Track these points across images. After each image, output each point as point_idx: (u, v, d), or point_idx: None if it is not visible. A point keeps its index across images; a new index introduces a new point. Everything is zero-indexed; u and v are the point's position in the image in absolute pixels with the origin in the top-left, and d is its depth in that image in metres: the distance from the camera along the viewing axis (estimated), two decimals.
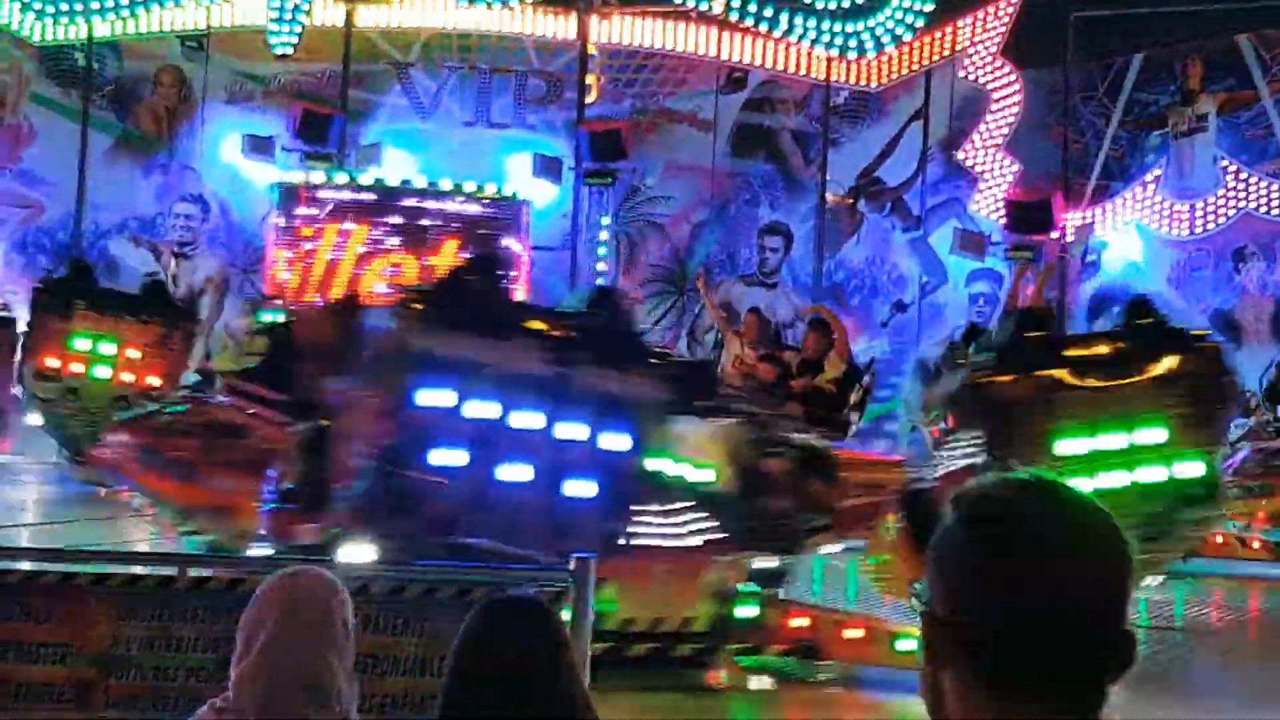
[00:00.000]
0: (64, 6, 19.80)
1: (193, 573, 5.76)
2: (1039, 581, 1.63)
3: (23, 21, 20.05)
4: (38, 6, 19.76)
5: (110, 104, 20.92)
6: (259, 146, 20.15)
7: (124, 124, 20.98)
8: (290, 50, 20.13)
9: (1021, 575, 1.64)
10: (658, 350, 9.36)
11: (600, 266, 20.69)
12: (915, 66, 20.75)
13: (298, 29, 20.02)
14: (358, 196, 18.56)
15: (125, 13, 20.02)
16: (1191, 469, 8.93)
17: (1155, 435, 8.88)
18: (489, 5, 20.27)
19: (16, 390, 15.51)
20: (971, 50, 20.64)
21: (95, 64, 20.58)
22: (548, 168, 20.52)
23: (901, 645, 8.08)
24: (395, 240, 18.27)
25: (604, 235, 20.72)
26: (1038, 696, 1.64)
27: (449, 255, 17.96)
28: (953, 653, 1.67)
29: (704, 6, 20.37)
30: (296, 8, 19.99)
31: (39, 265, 20.09)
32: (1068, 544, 1.66)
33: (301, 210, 18.56)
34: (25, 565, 5.98)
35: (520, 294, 18.46)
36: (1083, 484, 8.57)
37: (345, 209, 18.40)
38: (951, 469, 8.86)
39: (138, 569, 6.11)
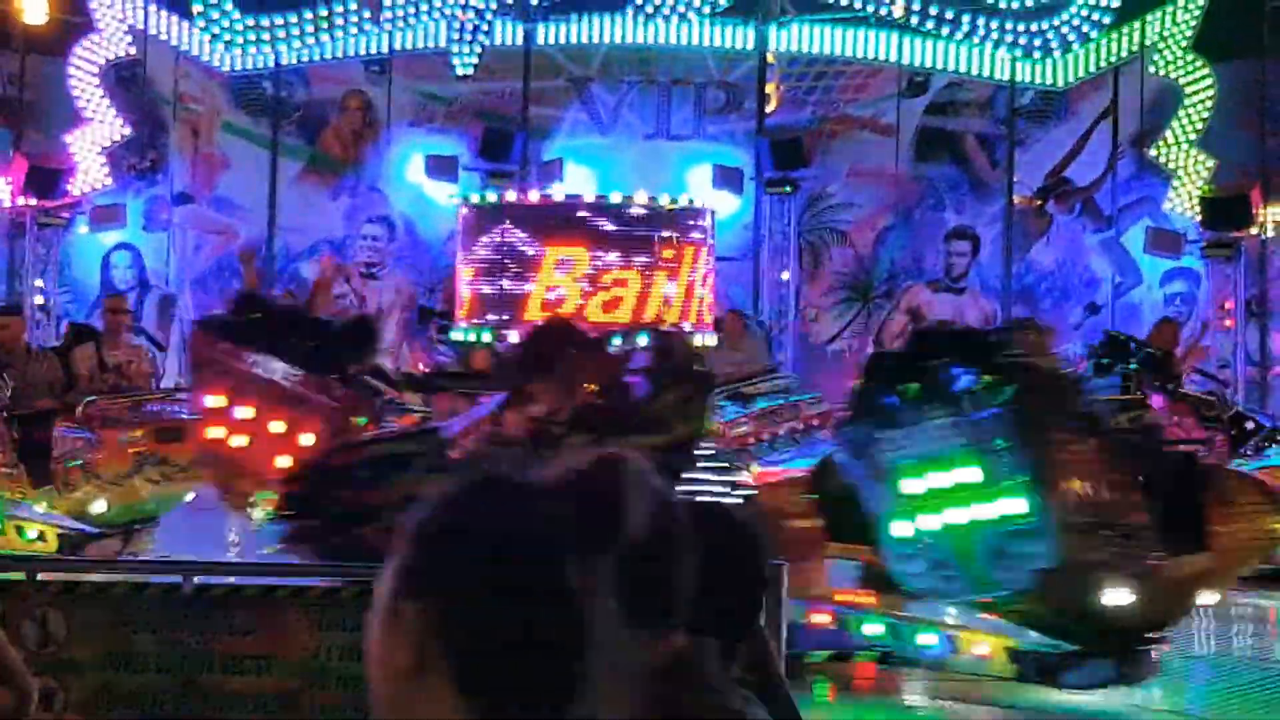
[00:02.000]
0: (251, 36, 20.24)
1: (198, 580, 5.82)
2: None
3: (213, 53, 20.53)
4: (227, 38, 20.22)
5: (298, 130, 21.35)
6: (442, 167, 20.39)
7: (312, 149, 21.38)
8: (471, 70, 20.38)
9: None
10: None
11: (784, 276, 20.58)
12: (1103, 63, 20.26)
13: (478, 49, 20.26)
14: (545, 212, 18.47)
15: (311, 40, 20.40)
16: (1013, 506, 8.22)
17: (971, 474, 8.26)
18: (667, 18, 20.26)
19: None
20: (1161, 45, 20.11)
21: (283, 92, 21.00)
22: (728, 178, 20.45)
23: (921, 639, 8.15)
24: (613, 256, 18.05)
25: (787, 244, 20.61)
26: None
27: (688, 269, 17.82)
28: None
29: (883, 11, 20.16)
30: (476, 29, 20.23)
31: (233, 290, 20.55)
32: None
33: (489, 232, 18.58)
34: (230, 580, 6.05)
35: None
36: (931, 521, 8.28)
37: (533, 225, 18.38)
38: None
39: (333, 580, 6.17)
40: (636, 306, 17.59)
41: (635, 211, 18.03)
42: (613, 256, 17.72)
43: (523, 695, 1.66)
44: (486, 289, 17.97)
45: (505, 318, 17.29)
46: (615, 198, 18.32)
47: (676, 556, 1.97)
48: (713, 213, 19.20)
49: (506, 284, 17.75)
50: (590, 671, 1.67)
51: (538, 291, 17.36)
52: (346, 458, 8.79)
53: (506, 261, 17.82)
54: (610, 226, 17.90)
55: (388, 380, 11.97)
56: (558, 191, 18.92)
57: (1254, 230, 19.39)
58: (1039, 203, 20.75)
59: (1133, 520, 8.04)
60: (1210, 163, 19.71)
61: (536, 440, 8.34)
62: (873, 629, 8.62)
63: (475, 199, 18.88)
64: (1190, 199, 19.67)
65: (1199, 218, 19.50)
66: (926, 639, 8.59)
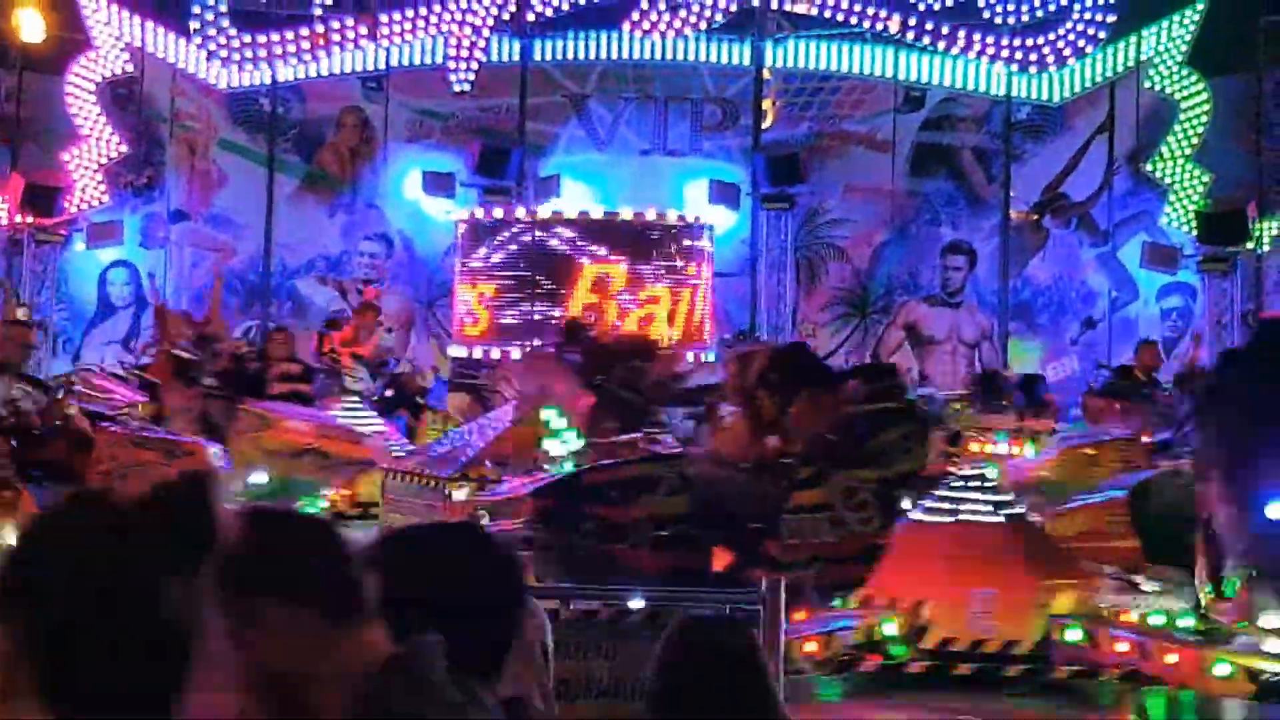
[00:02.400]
0: (248, 53, 20.26)
1: None
2: None
3: (209, 70, 20.55)
4: (223, 55, 20.23)
5: (295, 147, 21.36)
6: (439, 183, 20.42)
7: (308, 166, 21.39)
8: (468, 88, 20.40)
9: None
10: None
11: (781, 291, 20.61)
12: (1098, 79, 20.29)
13: (475, 66, 20.28)
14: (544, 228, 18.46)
15: (308, 57, 20.42)
16: None
17: None
18: (664, 35, 20.29)
19: None
20: (1156, 60, 20.14)
21: (280, 108, 21.02)
22: (725, 194, 20.49)
23: (1219, 670, 8.00)
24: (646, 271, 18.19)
25: (784, 259, 20.64)
26: None
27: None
28: None
29: (879, 27, 20.19)
30: (473, 45, 20.25)
31: (230, 307, 20.56)
32: None
33: (484, 249, 18.60)
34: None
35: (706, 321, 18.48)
36: None
37: (532, 241, 18.37)
38: None
39: None
40: (683, 323, 17.86)
41: (651, 227, 18.14)
42: (646, 271, 17.97)
43: (114, 704, 1.67)
44: (511, 307, 18.01)
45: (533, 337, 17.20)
46: (626, 213, 18.38)
47: (348, 558, 2.08)
48: (711, 228, 19.27)
49: (537, 304, 17.79)
50: (188, 674, 1.69)
51: (574, 309, 17.47)
52: (599, 477, 9.36)
53: (539, 278, 17.83)
54: (630, 243, 18.07)
55: (638, 393, 12.21)
56: (568, 208, 18.97)
57: (1250, 245, 19.40)
58: (1035, 217, 20.76)
59: None
60: (1206, 177, 19.73)
61: (767, 468, 8.99)
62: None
63: (479, 213, 18.91)
64: (1186, 214, 19.69)
65: (1195, 232, 19.51)
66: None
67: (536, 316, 17.83)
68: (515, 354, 16.74)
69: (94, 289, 20.88)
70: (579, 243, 18.09)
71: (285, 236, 20.93)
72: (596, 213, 18.68)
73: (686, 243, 18.61)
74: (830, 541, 8.83)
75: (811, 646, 8.17)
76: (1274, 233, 19.56)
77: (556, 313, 17.49)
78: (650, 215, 18.40)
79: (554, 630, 4.23)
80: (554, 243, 18.14)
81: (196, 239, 21.11)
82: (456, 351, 18.83)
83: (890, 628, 8.42)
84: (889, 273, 21.15)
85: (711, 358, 17.73)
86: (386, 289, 21.08)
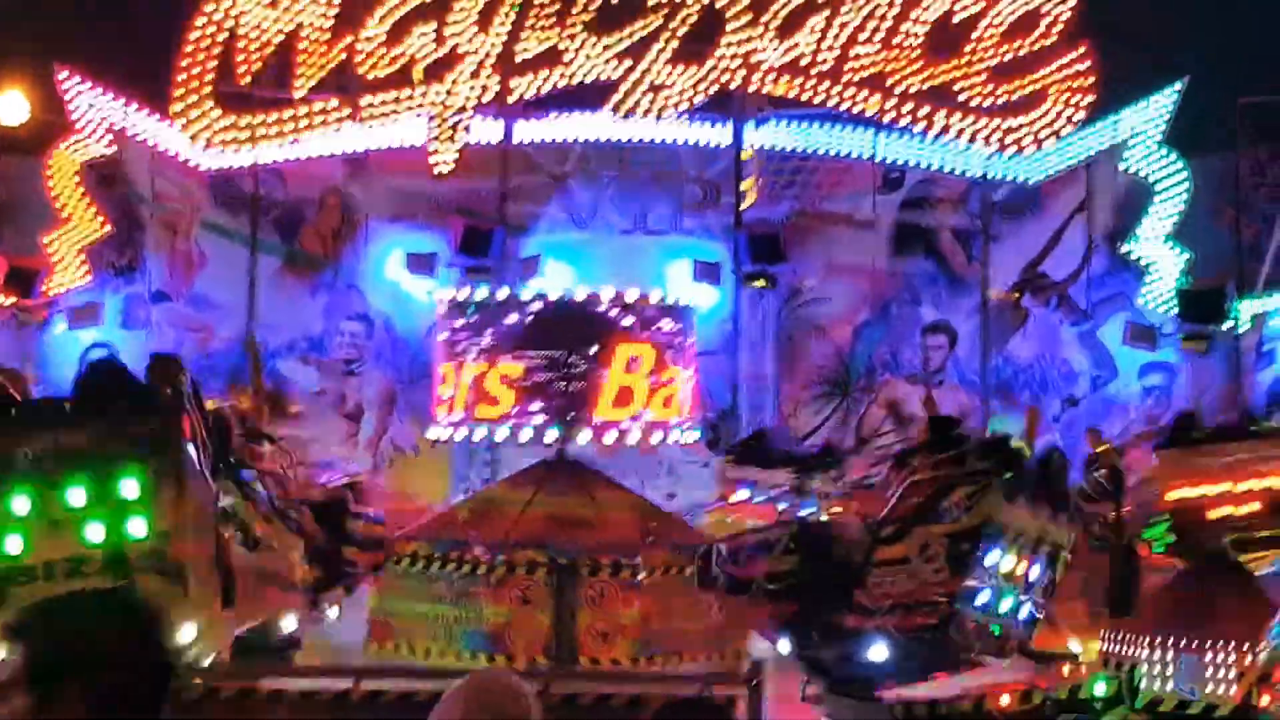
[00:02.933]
0: (230, 136, 20.31)
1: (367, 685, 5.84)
2: None
3: (191, 151, 20.59)
4: (205, 136, 20.28)
5: (277, 227, 21.36)
6: (421, 263, 20.44)
7: (290, 246, 21.39)
8: (450, 168, 20.45)
9: None
10: None
11: (763, 369, 20.65)
12: (1076, 159, 20.44)
13: (456, 148, 20.35)
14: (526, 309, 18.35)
15: (290, 138, 20.47)
16: None
17: None
18: (645, 116, 20.41)
19: None
20: (1134, 140, 20.30)
21: (261, 189, 21.04)
22: (707, 273, 20.54)
23: None
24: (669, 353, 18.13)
25: (766, 338, 20.68)
26: None
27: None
28: None
29: (858, 108, 20.33)
30: (455, 127, 20.34)
31: (212, 388, 20.45)
32: None
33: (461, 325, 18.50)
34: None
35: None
36: None
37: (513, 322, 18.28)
38: None
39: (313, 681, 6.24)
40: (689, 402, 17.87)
41: (651, 307, 18.08)
42: (669, 353, 17.94)
43: None
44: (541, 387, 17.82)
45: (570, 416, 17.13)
46: (631, 295, 18.27)
47: None
48: (693, 308, 19.24)
49: (573, 382, 17.64)
50: None
51: (609, 389, 17.44)
52: (737, 541, 10.61)
53: (573, 359, 17.70)
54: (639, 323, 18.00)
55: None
56: (551, 288, 18.84)
57: (1229, 323, 19.50)
58: (1015, 297, 20.85)
59: None
60: (1185, 256, 19.86)
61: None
62: None
63: (487, 292, 18.80)
64: (1166, 293, 19.80)
65: (1174, 311, 19.62)
66: None
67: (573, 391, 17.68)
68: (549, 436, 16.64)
69: (74, 370, 20.74)
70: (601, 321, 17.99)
71: (267, 317, 20.88)
72: (580, 293, 18.57)
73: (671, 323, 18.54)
74: (908, 590, 9.70)
75: (1006, 700, 8.57)
76: (1253, 311, 19.67)
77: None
78: (631, 296, 18.29)
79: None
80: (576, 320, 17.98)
81: (178, 320, 21.06)
82: (439, 433, 18.72)
83: (1100, 687, 8.56)
84: (870, 351, 21.19)
85: (695, 437, 17.70)
86: (368, 368, 21.09)
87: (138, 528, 7.41)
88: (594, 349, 17.47)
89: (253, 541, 9.25)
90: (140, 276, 20.89)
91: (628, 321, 17.80)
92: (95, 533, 7.38)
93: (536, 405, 17.10)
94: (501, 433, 15.01)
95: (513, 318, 17.74)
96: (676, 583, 12.98)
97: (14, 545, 7.36)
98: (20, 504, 7.37)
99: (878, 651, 9.69)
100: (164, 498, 7.50)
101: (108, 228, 20.58)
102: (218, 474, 8.48)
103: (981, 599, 9.67)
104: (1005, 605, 9.69)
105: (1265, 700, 8.18)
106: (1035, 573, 9.78)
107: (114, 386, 8.12)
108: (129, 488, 7.44)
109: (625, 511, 13.95)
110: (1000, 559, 9.64)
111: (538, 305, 17.63)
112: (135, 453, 7.47)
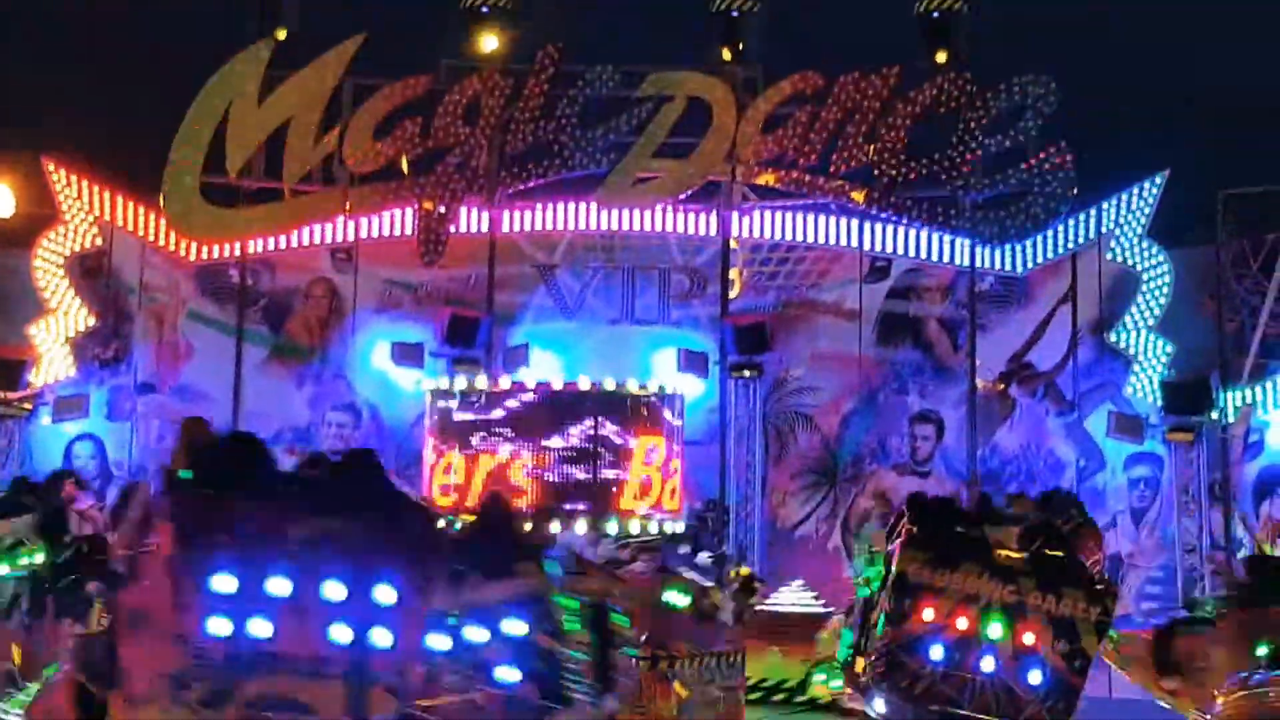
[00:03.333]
0: (218, 227, 20.35)
1: None
2: None
3: (180, 243, 20.63)
4: (193, 227, 20.33)
5: (263, 317, 21.37)
6: (408, 354, 20.46)
7: (277, 336, 21.39)
8: (437, 259, 20.50)
9: None
10: None
11: (750, 459, 20.62)
12: (1061, 250, 20.55)
13: (443, 238, 20.41)
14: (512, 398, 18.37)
15: (278, 230, 20.52)
16: None
17: None
18: (631, 208, 20.51)
19: None
20: (1118, 231, 20.42)
21: (249, 279, 21.06)
22: (693, 362, 20.57)
23: None
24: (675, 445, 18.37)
25: (753, 427, 20.67)
26: None
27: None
28: None
29: (845, 199, 20.45)
30: (442, 217, 20.40)
31: None
32: None
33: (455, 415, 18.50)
34: None
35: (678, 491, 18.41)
36: None
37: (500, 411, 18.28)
38: None
39: None
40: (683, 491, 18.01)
41: (645, 400, 18.14)
42: (675, 445, 18.10)
43: None
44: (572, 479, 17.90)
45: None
46: (584, 384, 18.33)
47: None
48: (682, 398, 19.29)
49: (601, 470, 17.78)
50: None
51: (632, 481, 17.59)
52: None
53: (601, 450, 17.77)
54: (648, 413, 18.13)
55: None
56: (533, 378, 18.88)
57: (1215, 414, 19.55)
58: (1002, 386, 20.89)
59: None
60: (1169, 348, 19.93)
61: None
62: None
63: (444, 384, 18.79)
64: (1151, 384, 19.86)
65: (1159, 402, 19.67)
66: None
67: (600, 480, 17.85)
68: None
69: (60, 462, 20.68)
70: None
71: (253, 407, 20.83)
72: (557, 384, 18.57)
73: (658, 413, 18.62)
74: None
75: None
76: (1238, 402, 19.72)
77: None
78: (609, 385, 18.31)
79: None
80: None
81: (163, 411, 20.99)
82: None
83: None
84: (858, 441, 21.20)
85: (680, 527, 17.69)
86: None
87: (383, 638, 7.24)
88: (603, 438, 17.72)
89: None
90: (126, 368, 20.87)
91: (624, 411, 17.97)
92: (342, 634, 7.21)
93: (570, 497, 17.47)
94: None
95: (513, 403, 17.91)
96: None
97: (261, 629, 7.16)
98: (278, 585, 7.16)
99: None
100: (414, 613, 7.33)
101: (93, 320, 20.54)
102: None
103: (934, 652, 9.94)
104: (987, 665, 9.90)
105: None
106: (1029, 639, 9.93)
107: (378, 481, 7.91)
108: (387, 594, 7.27)
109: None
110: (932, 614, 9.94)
111: (530, 395, 17.87)
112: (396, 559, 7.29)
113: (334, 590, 7.21)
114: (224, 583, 7.15)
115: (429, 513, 8.09)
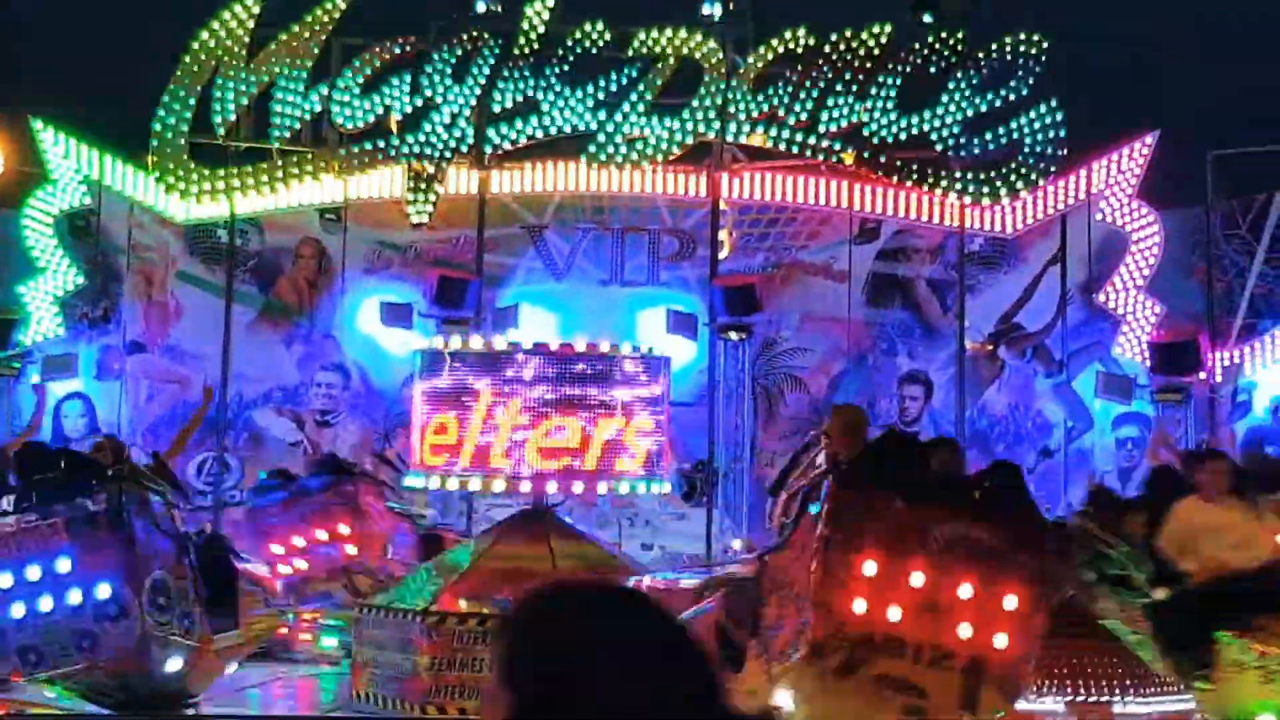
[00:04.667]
0: (207, 186, 20.31)
1: None
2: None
3: (168, 203, 20.59)
4: (181, 187, 20.27)
5: (253, 277, 21.34)
6: (397, 314, 20.41)
7: (266, 297, 21.37)
8: (426, 219, 20.46)
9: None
10: None
11: (739, 421, 20.63)
12: (1050, 210, 20.55)
13: (433, 198, 20.37)
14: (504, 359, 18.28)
15: (266, 190, 20.48)
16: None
17: None
18: (620, 167, 20.47)
19: None
20: (1108, 192, 20.41)
21: (238, 240, 21.03)
22: (682, 324, 20.55)
23: None
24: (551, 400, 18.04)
25: (742, 390, 20.67)
26: None
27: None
28: None
29: (834, 160, 20.42)
30: (431, 177, 20.36)
31: (190, 440, 20.45)
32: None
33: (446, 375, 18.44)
34: None
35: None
36: None
37: (491, 372, 18.20)
38: None
39: None
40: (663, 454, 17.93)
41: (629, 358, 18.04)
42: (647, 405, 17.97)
43: None
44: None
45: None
46: (579, 345, 18.23)
47: None
48: (667, 359, 19.21)
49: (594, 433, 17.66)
50: None
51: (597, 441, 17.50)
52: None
53: (594, 411, 17.64)
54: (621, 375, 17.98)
55: None
56: (523, 339, 18.78)
57: (1203, 375, 19.57)
58: (991, 348, 20.91)
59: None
60: (1158, 308, 19.93)
61: None
62: None
63: (434, 344, 18.70)
64: (1139, 344, 19.87)
65: (1149, 363, 19.68)
66: None
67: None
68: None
69: (48, 422, 20.69)
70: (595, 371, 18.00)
71: (242, 368, 20.82)
72: (552, 344, 18.52)
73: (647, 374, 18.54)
74: None
75: None
76: (1226, 363, 19.73)
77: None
78: (604, 347, 18.27)
79: None
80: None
81: (152, 371, 21.01)
82: (414, 480, 18.61)
83: None
84: (846, 402, 21.14)
85: (668, 489, 17.68)
86: (343, 419, 21.04)
87: (1001, 641, 7.95)
88: (591, 400, 17.59)
89: None
90: (115, 327, 20.81)
91: (613, 373, 17.88)
92: (966, 631, 7.93)
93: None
94: (497, 485, 14.74)
95: (509, 370, 17.79)
96: None
97: (894, 614, 7.93)
98: (916, 579, 7.96)
99: None
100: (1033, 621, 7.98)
101: (82, 279, 20.51)
102: None
103: None
104: None
105: None
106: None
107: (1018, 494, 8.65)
108: (1011, 601, 7.96)
109: (572, 561, 13.80)
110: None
111: (532, 354, 17.75)
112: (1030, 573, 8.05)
113: (966, 591, 7.94)
114: (869, 567, 7.96)
115: (1063, 529, 9.28)
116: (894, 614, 7.86)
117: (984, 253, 21.06)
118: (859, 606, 7.88)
